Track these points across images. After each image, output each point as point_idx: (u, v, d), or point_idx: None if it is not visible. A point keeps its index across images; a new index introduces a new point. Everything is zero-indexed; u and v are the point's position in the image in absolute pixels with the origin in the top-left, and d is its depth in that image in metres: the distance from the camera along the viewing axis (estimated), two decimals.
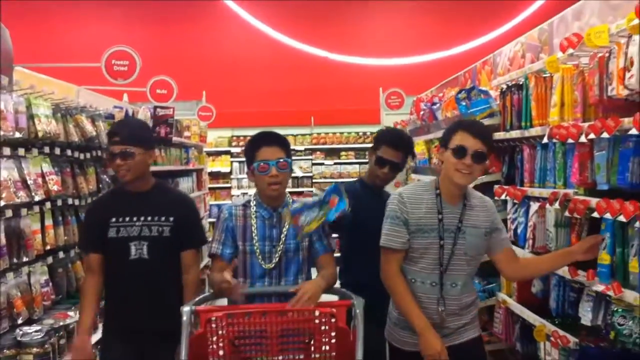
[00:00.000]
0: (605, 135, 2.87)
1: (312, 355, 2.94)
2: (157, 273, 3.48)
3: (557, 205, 3.40)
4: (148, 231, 3.48)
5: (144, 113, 6.41)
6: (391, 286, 3.18)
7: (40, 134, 4.15)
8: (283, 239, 3.29)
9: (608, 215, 2.86)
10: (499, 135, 4.39)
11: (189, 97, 10.35)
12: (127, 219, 3.49)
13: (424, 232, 3.11)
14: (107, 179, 5.37)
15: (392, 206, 3.17)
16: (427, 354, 3.02)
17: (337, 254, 3.50)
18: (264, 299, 3.27)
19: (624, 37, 2.83)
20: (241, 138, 13.50)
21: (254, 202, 3.36)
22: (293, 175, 11.09)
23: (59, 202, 4.54)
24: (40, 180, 4.19)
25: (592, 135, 2.99)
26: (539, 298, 3.93)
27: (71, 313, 4.25)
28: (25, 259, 3.99)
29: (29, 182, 4.02)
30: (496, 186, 4.37)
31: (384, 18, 14.42)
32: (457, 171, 3.06)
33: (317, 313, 2.93)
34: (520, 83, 4.14)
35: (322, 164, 13.57)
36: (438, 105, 5.94)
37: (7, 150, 3.87)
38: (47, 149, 4.40)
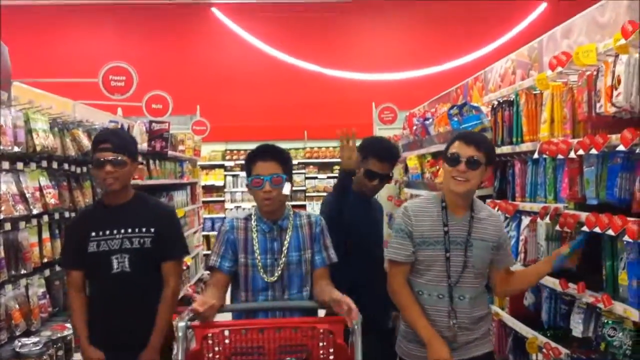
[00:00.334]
0: (593, 151, 2.95)
1: None
2: (140, 286, 3.46)
3: (547, 219, 3.47)
4: (129, 243, 3.46)
5: (139, 127, 6.47)
6: (397, 298, 3.20)
7: (38, 148, 4.21)
8: (285, 251, 3.25)
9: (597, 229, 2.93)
10: None
11: (183, 112, 10.43)
12: (107, 232, 3.47)
13: (429, 245, 3.12)
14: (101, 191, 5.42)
15: (397, 220, 3.22)
16: (432, 354, 3.02)
17: None
18: (268, 314, 3.21)
19: (611, 56, 2.91)
20: (235, 152, 13.58)
21: (255, 216, 3.33)
22: None
23: (56, 216, 4.58)
24: (38, 193, 4.23)
25: (581, 152, 3.06)
26: (531, 311, 3.98)
27: (68, 325, 4.28)
28: (23, 272, 4.02)
29: (27, 195, 4.07)
30: (488, 200, 4.43)
31: (376, 34, 14.55)
32: (452, 179, 3.11)
33: (313, 329, 2.90)
34: (511, 99, 4.22)
35: (315, 177, 13.65)
36: (431, 120, 6.03)
37: (6, 164, 3.91)
38: (44, 163, 4.45)
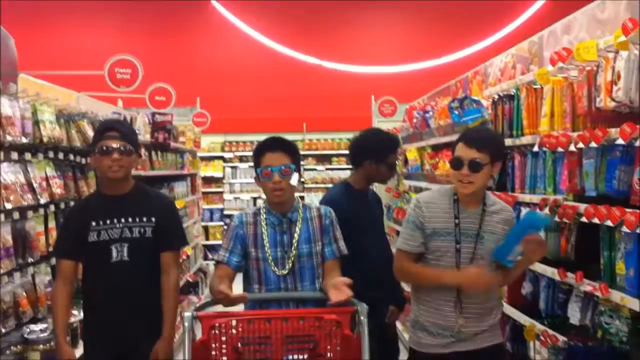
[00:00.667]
0: (593, 144, 3.02)
1: None
2: (139, 275, 3.47)
3: (547, 210, 3.54)
4: (129, 233, 3.47)
5: (142, 119, 6.54)
6: (406, 274, 3.32)
7: (45, 139, 4.27)
8: (295, 244, 3.26)
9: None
10: None
11: (184, 103, 10.48)
12: (108, 221, 3.47)
13: (439, 236, 3.17)
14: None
15: (409, 211, 3.28)
16: (469, 283, 3.08)
17: None
18: (282, 304, 3.23)
19: (612, 52, 2.98)
20: (233, 144, 13.65)
21: (264, 209, 3.33)
22: None
23: (62, 205, 4.65)
24: (44, 183, 4.30)
25: (580, 145, 3.14)
26: (528, 300, 4.06)
27: (75, 312, 4.35)
28: (30, 260, 4.09)
29: (34, 185, 4.14)
30: (488, 192, 4.51)
31: (375, 27, 14.60)
32: (459, 182, 3.16)
33: (320, 320, 2.90)
34: (512, 93, 4.29)
35: (314, 169, 13.72)
36: (431, 113, 6.10)
37: (14, 155, 3.98)
38: (51, 154, 4.52)
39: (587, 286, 3.14)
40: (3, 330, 3.70)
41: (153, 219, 3.50)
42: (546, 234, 3.65)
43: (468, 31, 14.34)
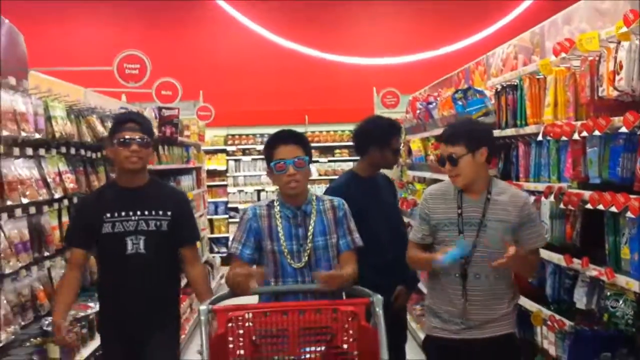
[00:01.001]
0: (597, 133, 3.10)
1: (335, 355, 2.92)
2: (154, 267, 3.50)
3: (552, 198, 3.62)
4: (145, 225, 3.49)
5: (149, 114, 6.61)
6: (412, 261, 3.49)
7: (57, 135, 4.35)
8: (310, 237, 3.26)
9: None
10: (495, 133, 4.60)
11: (187, 97, 10.55)
12: (123, 213, 3.49)
13: (444, 226, 3.29)
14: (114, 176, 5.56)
15: (419, 204, 3.47)
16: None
17: None
18: (300, 296, 3.23)
19: (613, 42, 3.05)
20: (236, 137, 13.71)
21: (277, 202, 3.33)
22: None
23: (75, 200, 4.74)
24: (58, 178, 4.38)
25: (584, 133, 3.21)
26: (535, 286, 4.13)
27: (91, 304, 4.44)
28: (46, 254, 4.18)
29: (48, 180, 4.22)
30: (496, 180, 4.58)
31: (376, 19, 14.63)
32: (450, 178, 3.34)
33: (336, 311, 2.92)
34: (515, 84, 4.35)
35: (316, 161, 13.79)
36: (434, 104, 6.17)
37: (29, 151, 4.06)
38: (63, 149, 4.60)
39: (593, 271, 3.22)
40: (22, 323, 3.77)
41: (169, 213, 3.53)
42: (552, 221, 3.73)
43: (468, 21, 14.38)
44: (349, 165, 13.72)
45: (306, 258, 3.25)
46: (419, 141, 6.89)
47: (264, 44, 14.41)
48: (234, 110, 13.24)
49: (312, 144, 13.49)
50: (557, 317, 3.67)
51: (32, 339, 3.88)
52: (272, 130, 3.44)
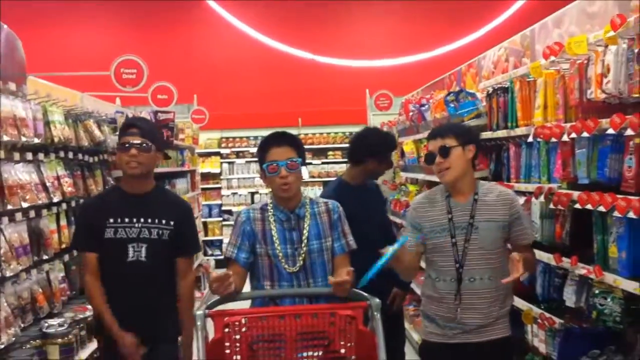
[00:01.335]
0: (585, 134, 3.17)
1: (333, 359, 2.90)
2: (154, 276, 3.48)
3: (542, 198, 3.69)
4: (148, 233, 3.47)
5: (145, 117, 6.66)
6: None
7: (55, 140, 4.41)
8: (305, 240, 3.22)
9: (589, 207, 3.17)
10: (486, 134, 4.69)
11: (181, 101, 10.61)
12: (127, 220, 3.47)
13: (436, 233, 3.30)
14: (112, 181, 5.62)
15: (407, 213, 3.49)
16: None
17: None
18: (296, 300, 3.18)
19: (601, 46, 3.13)
20: (230, 139, 13.77)
21: (271, 205, 3.28)
22: None
23: (73, 204, 4.80)
24: (56, 182, 4.44)
25: (573, 135, 3.29)
26: (525, 285, 4.19)
27: (89, 306, 4.49)
28: (45, 257, 4.23)
29: (47, 184, 4.28)
30: (481, 181, 4.65)
31: (369, 21, 14.73)
32: (438, 174, 3.34)
33: (333, 315, 2.89)
34: (506, 86, 4.43)
35: (309, 163, 13.86)
36: (427, 106, 6.24)
37: (29, 155, 4.12)
38: (61, 153, 4.65)
39: (582, 269, 3.29)
40: (22, 325, 3.83)
41: (172, 223, 3.51)
42: (542, 221, 3.81)
43: (460, 23, 14.49)
44: (343, 167, 13.81)
45: (301, 262, 3.21)
46: (412, 143, 6.96)
47: (258, 47, 14.48)
48: (228, 113, 13.31)
49: (306, 146, 13.43)
50: (547, 315, 3.74)
51: (31, 341, 3.92)
52: (266, 132, 3.41)
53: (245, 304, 3.29)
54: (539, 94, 3.81)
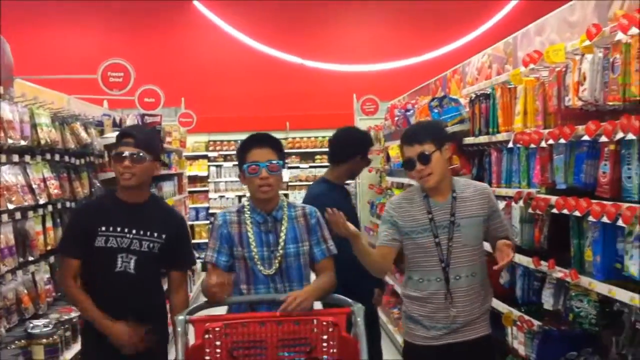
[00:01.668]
0: (562, 141, 3.24)
1: None
2: (142, 288, 3.37)
3: (521, 203, 3.76)
4: (138, 245, 3.36)
5: (132, 120, 6.70)
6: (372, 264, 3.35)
7: (42, 142, 4.45)
8: (282, 243, 3.20)
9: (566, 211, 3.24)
10: (468, 140, 4.77)
11: (169, 104, 10.65)
12: (119, 229, 3.36)
13: (417, 233, 3.28)
14: (98, 183, 5.65)
15: (385, 212, 3.41)
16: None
17: None
18: (272, 307, 3.09)
19: (578, 54, 3.20)
20: (218, 143, 13.81)
21: (248, 207, 3.26)
22: None
23: (59, 205, 4.83)
24: (42, 184, 4.47)
25: (551, 141, 3.35)
26: (506, 288, 4.26)
27: (74, 308, 4.52)
28: (30, 258, 4.26)
29: (33, 186, 4.31)
30: (456, 178, 4.71)
31: (356, 26, 14.83)
32: (420, 180, 3.30)
33: (315, 322, 2.86)
34: (488, 93, 4.50)
35: (297, 167, 13.92)
36: (412, 111, 6.31)
37: (15, 158, 4.16)
38: (48, 156, 4.69)
39: (559, 273, 3.35)
40: (7, 326, 3.86)
41: (164, 236, 3.40)
42: (521, 225, 3.87)
43: (447, 30, 14.61)
44: None
45: (277, 265, 3.19)
46: (397, 147, 7.02)
47: (246, 51, 14.54)
48: (216, 117, 13.35)
49: (293, 150, 13.91)
50: (526, 317, 3.81)
51: (17, 341, 3.96)
52: None
53: (222, 309, 3.26)
54: (519, 101, 3.88)
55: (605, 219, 2.87)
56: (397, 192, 7.34)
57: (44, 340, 4.04)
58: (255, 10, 14.44)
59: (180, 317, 2.94)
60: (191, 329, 2.97)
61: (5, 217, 3.93)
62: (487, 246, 3.60)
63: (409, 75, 13.00)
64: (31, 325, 4.08)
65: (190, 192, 12.87)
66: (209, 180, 13.76)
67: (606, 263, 2.99)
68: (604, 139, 2.90)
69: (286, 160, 13.45)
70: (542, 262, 3.53)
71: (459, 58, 6.53)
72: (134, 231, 3.37)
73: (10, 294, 3.99)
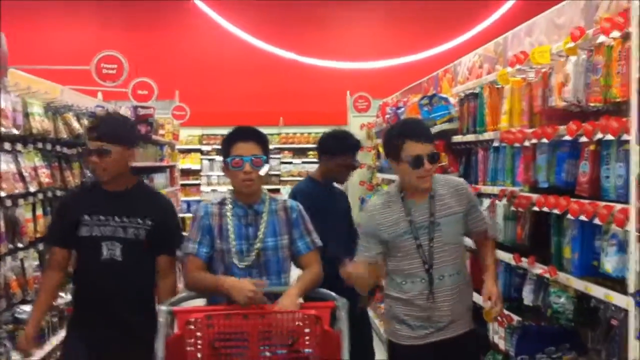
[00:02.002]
0: (545, 140, 3.31)
1: (296, 359, 2.87)
2: (129, 276, 3.33)
3: (505, 201, 3.83)
4: (123, 232, 3.33)
5: (125, 112, 6.76)
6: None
7: (34, 131, 4.50)
8: (261, 236, 3.19)
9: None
10: (456, 138, 4.83)
11: (163, 97, 10.69)
12: (102, 217, 3.33)
13: (399, 237, 3.23)
14: (89, 173, 5.69)
15: (362, 222, 3.34)
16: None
17: None
18: None
19: (563, 56, 3.26)
20: (211, 137, 13.88)
21: (230, 200, 3.25)
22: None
23: (49, 194, 4.87)
24: (33, 173, 4.52)
25: (534, 140, 3.42)
26: None
27: (62, 294, 4.57)
28: (19, 245, 4.32)
29: (25, 174, 4.36)
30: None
31: (352, 23, 14.88)
32: (420, 178, 3.21)
33: (299, 315, 2.85)
34: (476, 92, 4.57)
35: (290, 162, 14.01)
36: (403, 109, 6.37)
37: (7, 146, 4.20)
38: (39, 145, 4.74)
39: (539, 269, 3.41)
40: None
41: (149, 222, 3.36)
42: (505, 223, 3.94)
43: (441, 29, 14.67)
44: None
45: (254, 258, 3.17)
46: None
47: (241, 46, 14.58)
48: (210, 111, 13.38)
49: (286, 146, 13.97)
50: (506, 312, 3.86)
51: (4, 326, 4.02)
52: None
53: (201, 302, 3.27)
54: (506, 101, 3.94)
55: (583, 217, 2.93)
56: (386, 188, 7.39)
57: None
58: (251, 6, 14.48)
59: (163, 308, 2.95)
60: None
61: None
62: (468, 241, 3.67)
63: (403, 73, 13.04)
64: (19, 310, 4.14)
65: (182, 185, 12.93)
66: (201, 173, 13.83)
67: (584, 260, 3.04)
68: (584, 139, 2.97)
69: (279, 156, 13.47)
70: (523, 259, 3.59)
71: (454, 57, 6.57)
72: (117, 218, 3.34)
73: (0, 278, 4.03)
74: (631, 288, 2.47)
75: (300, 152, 14.04)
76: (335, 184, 4.78)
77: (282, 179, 13.92)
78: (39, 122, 4.57)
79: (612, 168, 2.81)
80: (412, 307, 3.27)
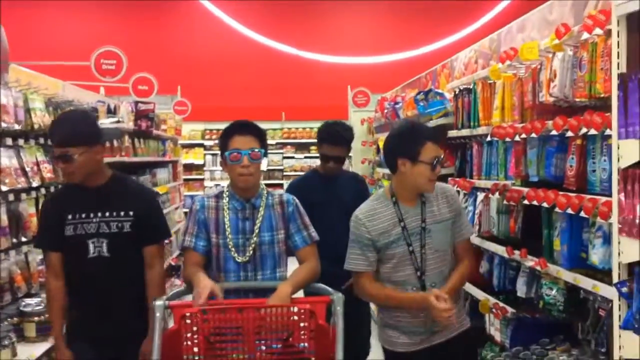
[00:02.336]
0: (534, 135, 3.37)
1: (291, 354, 2.87)
2: (119, 270, 3.30)
3: (497, 194, 3.90)
4: (107, 228, 3.30)
5: (125, 107, 6.82)
6: (371, 297, 3.31)
7: (35, 126, 4.55)
8: (257, 231, 3.17)
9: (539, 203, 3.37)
10: (452, 133, 4.90)
11: (165, 92, 10.76)
12: (84, 215, 3.30)
13: (392, 243, 3.16)
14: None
15: (352, 230, 3.23)
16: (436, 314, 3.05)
17: None
18: (241, 294, 3.12)
19: (550, 52, 3.33)
20: (214, 131, 13.94)
21: (227, 194, 3.23)
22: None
23: (52, 189, 4.95)
24: (35, 168, 4.58)
25: (524, 135, 3.49)
26: (485, 277, 4.37)
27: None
28: (23, 239, 4.37)
29: (27, 169, 4.44)
30: (449, 179, 4.87)
31: (353, 19, 14.94)
32: (430, 181, 3.16)
33: (295, 309, 2.85)
34: (470, 87, 4.63)
35: (292, 157, 14.08)
36: (400, 104, 6.44)
37: (9, 141, 4.28)
38: (41, 140, 4.80)
39: (530, 262, 3.48)
40: (1, 304, 3.99)
41: (131, 213, 3.33)
42: (498, 216, 4.00)
43: (441, 25, 14.73)
44: None
45: (250, 252, 3.16)
46: None
47: (243, 41, 14.65)
48: (212, 106, 13.46)
49: (289, 140, 14.04)
50: (501, 304, 3.93)
51: (9, 319, 4.09)
52: None
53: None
54: (498, 96, 4.01)
55: (570, 210, 2.99)
56: (386, 183, 7.46)
57: (36, 318, 4.17)
58: (254, 2, 14.53)
59: (159, 303, 2.95)
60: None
61: None
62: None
63: (403, 68, 13.11)
64: (23, 303, 4.21)
65: (185, 179, 13.01)
66: (204, 168, 13.92)
67: (572, 252, 3.12)
68: (570, 133, 3.03)
69: (282, 150, 13.49)
70: (515, 252, 3.66)
71: (452, 53, 6.63)
72: (99, 214, 3.31)
73: (4, 273, 4.10)
74: (615, 279, 2.53)
75: (302, 147, 14.12)
76: (352, 170, 4.82)
77: (285, 173, 13.99)
78: (41, 118, 4.64)
79: (598, 162, 2.88)
80: (405, 314, 3.22)
